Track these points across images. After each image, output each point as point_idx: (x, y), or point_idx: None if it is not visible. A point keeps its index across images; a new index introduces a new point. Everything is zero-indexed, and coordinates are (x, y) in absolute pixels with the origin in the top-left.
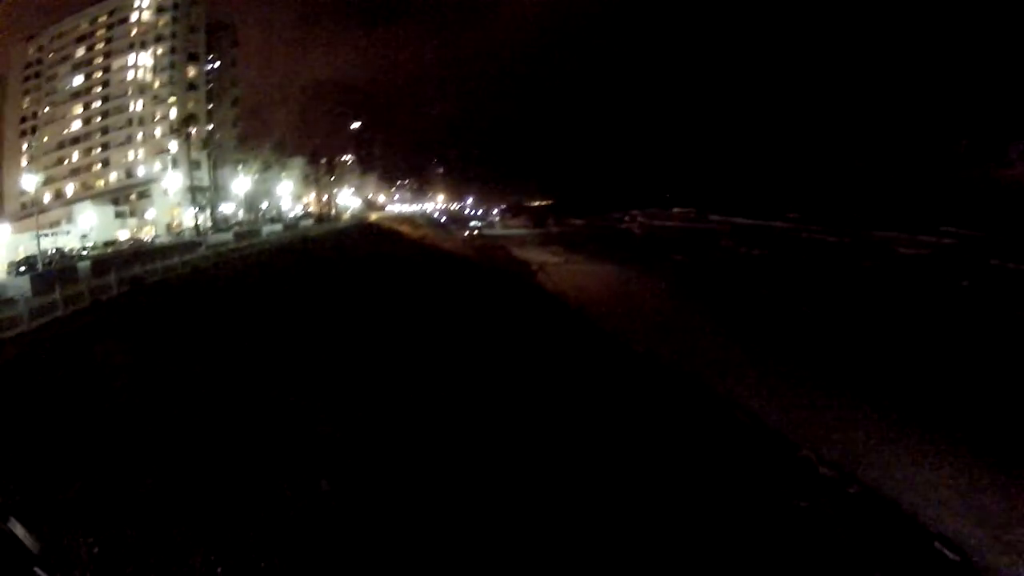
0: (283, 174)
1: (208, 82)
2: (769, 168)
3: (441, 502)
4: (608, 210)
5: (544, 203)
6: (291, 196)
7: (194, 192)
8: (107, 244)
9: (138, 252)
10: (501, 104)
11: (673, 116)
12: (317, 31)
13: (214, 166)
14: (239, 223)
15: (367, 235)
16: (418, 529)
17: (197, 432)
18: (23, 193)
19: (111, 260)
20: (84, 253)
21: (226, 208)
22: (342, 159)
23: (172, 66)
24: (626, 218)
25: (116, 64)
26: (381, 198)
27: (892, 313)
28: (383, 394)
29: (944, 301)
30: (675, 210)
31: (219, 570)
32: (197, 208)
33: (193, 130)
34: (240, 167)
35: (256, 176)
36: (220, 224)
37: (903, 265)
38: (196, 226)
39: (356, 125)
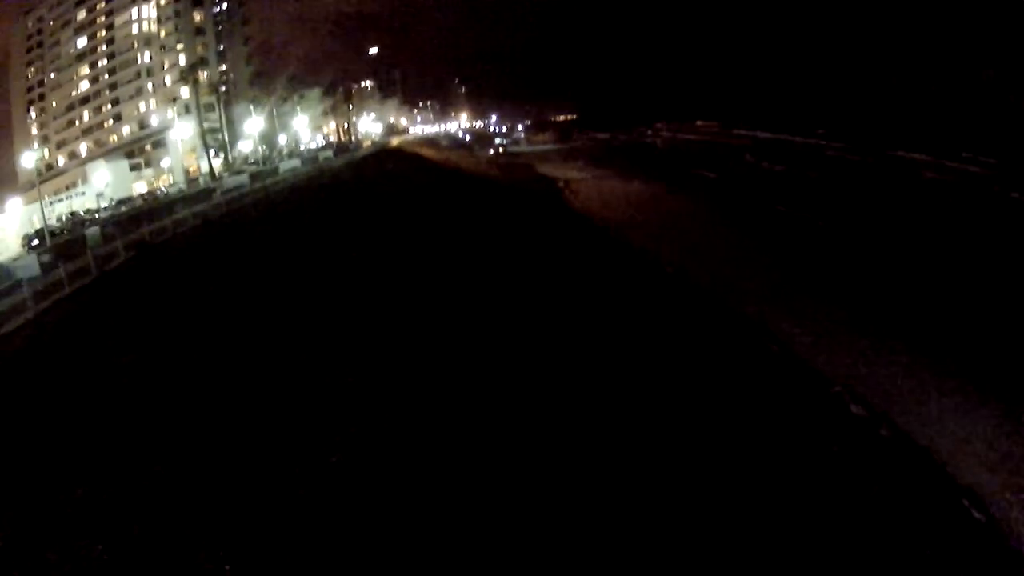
0: (299, 107)
1: (216, 24)
2: (797, 84)
3: None
4: (633, 123)
5: (569, 117)
6: (309, 128)
7: (204, 136)
8: (120, 202)
9: (148, 210)
10: (523, 18)
11: (700, 27)
12: None
13: (226, 105)
14: (256, 162)
15: (388, 162)
16: None
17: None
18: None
19: (120, 221)
20: (97, 216)
21: (243, 146)
22: (361, 85)
23: (176, 14)
24: (649, 132)
25: (119, 20)
26: (403, 121)
27: (927, 241)
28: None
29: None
30: (699, 123)
31: None
32: (211, 152)
33: (203, 74)
34: (253, 106)
35: (270, 113)
36: (237, 165)
37: (929, 189)
38: (211, 170)
39: (374, 51)
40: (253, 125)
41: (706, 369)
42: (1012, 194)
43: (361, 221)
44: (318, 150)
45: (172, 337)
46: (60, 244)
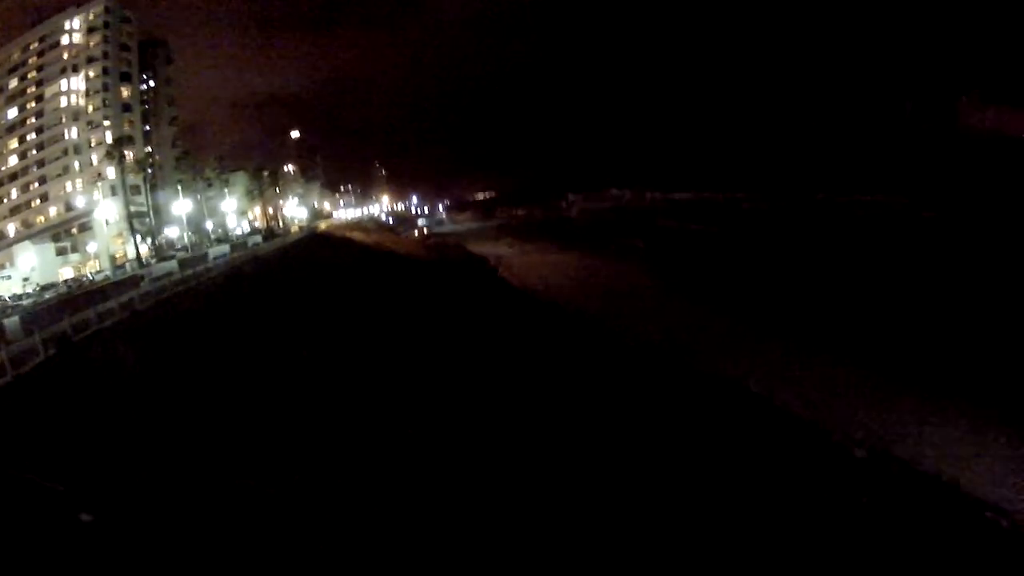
0: (226, 190)
1: (144, 102)
2: (707, 142)
3: None
4: (547, 197)
5: (489, 195)
6: (236, 213)
7: (131, 219)
8: (44, 288)
9: (71, 298)
10: (437, 102)
11: (604, 97)
12: (252, 45)
13: (152, 188)
14: (184, 247)
15: (320, 247)
16: None
17: None
18: None
19: (42, 311)
20: (21, 302)
21: (170, 232)
22: (285, 169)
23: (105, 88)
24: (563, 204)
25: (49, 91)
26: (327, 206)
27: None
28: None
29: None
30: (613, 191)
31: None
32: (138, 236)
33: (129, 154)
34: (180, 187)
35: (198, 196)
36: (164, 251)
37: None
38: (138, 256)
39: (295, 134)
40: (180, 207)
41: (705, 442)
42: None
43: (304, 313)
44: (246, 235)
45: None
46: None
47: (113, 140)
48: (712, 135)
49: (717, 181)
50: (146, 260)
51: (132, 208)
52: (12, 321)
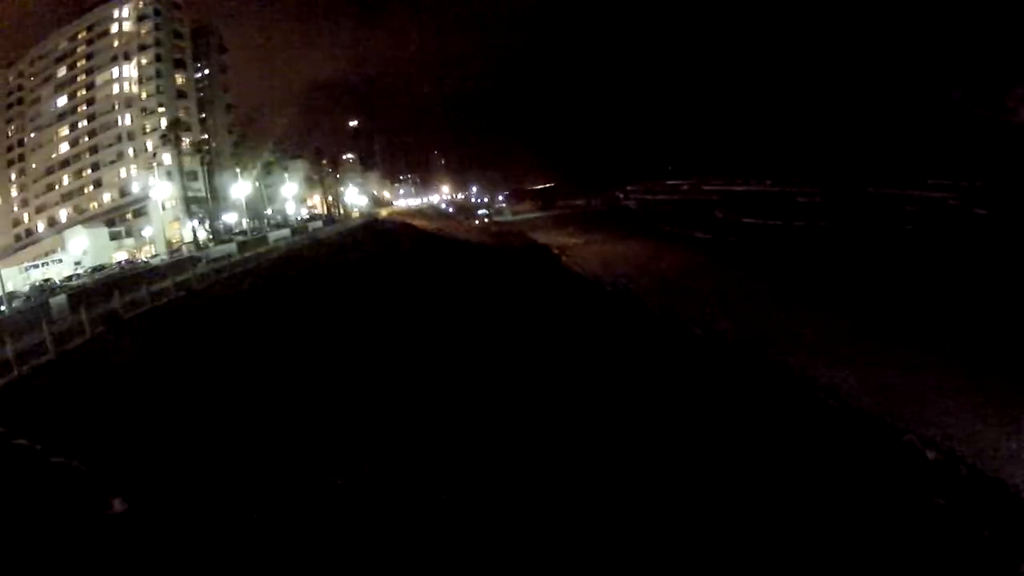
0: (286, 175)
1: (199, 90)
2: (766, 131)
3: None
4: (605, 187)
5: (547, 185)
6: (295, 199)
7: (188, 203)
8: (95, 270)
9: (124, 278)
10: (497, 86)
11: (668, 84)
12: (302, 32)
13: (210, 173)
14: (243, 232)
15: (382, 232)
16: None
17: None
18: (17, 224)
19: (92, 291)
20: (71, 283)
21: (228, 217)
22: (344, 158)
23: (158, 75)
24: (621, 195)
25: (100, 79)
26: (386, 194)
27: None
28: None
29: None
30: (671, 182)
31: None
32: (195, 220)
33: (186, 139)
34: (239, 170)
35: (256, 181)
36: (222, 235)
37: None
38: (195, 240)
39: (354, 123)
40: (239, 190)
41: (773, 438)
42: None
43: (370, 296)
44: (306, 220)
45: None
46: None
47: (169, 123)
48: (766, 124)
49: (772, 171)
50: (204, 244)
51: (189, 194)
52: (58, 300)
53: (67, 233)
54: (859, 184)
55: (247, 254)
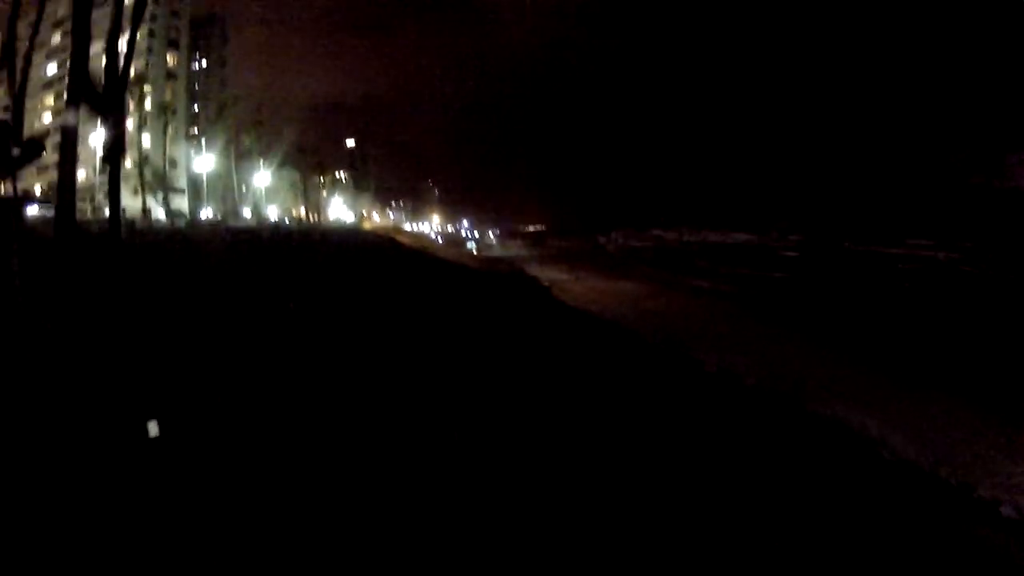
0: (261, 163)
1: (194, 82)
2: (763, 183)
3: None
4: (591, 231)
5: (538, 228)
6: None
7: (142, 168)
8: None
9: None
10: (497, 122)
11: (662, 135)
12: (310, 48)
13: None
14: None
15: (355, 239)
16: None
17: None
18: None
19: None
20: None
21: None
22: (336, 176)
23: (149, 50)
24: (601, 239)
25: (92, 50)
26: (375, 216)
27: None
28: None
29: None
30: (656, 231)
31: None
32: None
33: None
34: (204, 141)
35: (231, 164)
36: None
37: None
38: (144, 211)
39: (351, 142)
40: (202, 164)
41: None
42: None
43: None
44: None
45: None
46: None
47: (154, 102)
48: (754, 175)
49: (762, 223)
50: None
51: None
52: None
53: None
54: (836, 239)
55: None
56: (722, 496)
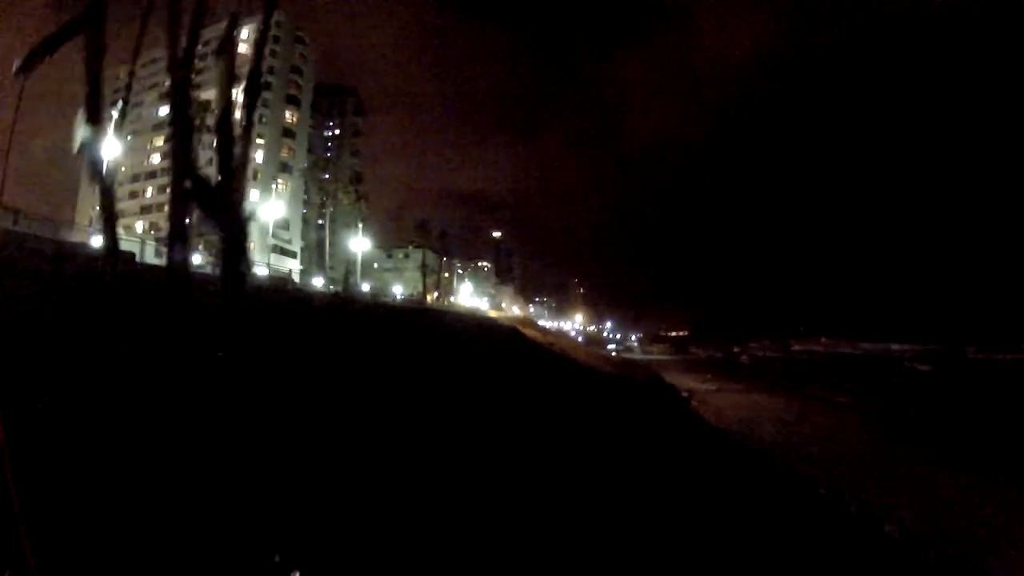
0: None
1: (327, 149)
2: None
3: None
4: (730, 339)
5: (682, 334)
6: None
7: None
8: None
9: None
10: (638, 230)
11: (802, 246)
12: (456, 142)
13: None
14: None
15: (475, 328)
16: None
17: None
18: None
19: None
20: None
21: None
22: (479, 265)
23: (264, 105)
24: (736, 348)
25: (204, 96)
26: (515, 309)
27: None
28: None
29: None
30: (795, 344)
31: None
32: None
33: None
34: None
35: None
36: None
37: None
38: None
39: (497, 234)
40: (357, 245)
41: None
42: None
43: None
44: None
45: None
46: None
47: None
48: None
49: (879, 331)
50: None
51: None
52: None
53: None
54: (958, 346)
55: None
56: None
